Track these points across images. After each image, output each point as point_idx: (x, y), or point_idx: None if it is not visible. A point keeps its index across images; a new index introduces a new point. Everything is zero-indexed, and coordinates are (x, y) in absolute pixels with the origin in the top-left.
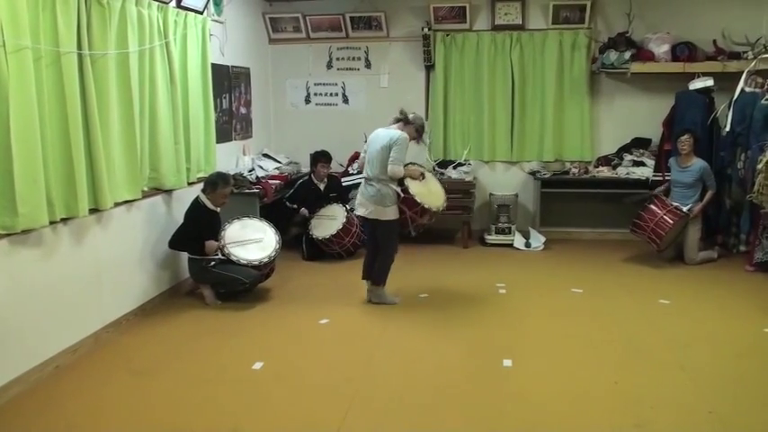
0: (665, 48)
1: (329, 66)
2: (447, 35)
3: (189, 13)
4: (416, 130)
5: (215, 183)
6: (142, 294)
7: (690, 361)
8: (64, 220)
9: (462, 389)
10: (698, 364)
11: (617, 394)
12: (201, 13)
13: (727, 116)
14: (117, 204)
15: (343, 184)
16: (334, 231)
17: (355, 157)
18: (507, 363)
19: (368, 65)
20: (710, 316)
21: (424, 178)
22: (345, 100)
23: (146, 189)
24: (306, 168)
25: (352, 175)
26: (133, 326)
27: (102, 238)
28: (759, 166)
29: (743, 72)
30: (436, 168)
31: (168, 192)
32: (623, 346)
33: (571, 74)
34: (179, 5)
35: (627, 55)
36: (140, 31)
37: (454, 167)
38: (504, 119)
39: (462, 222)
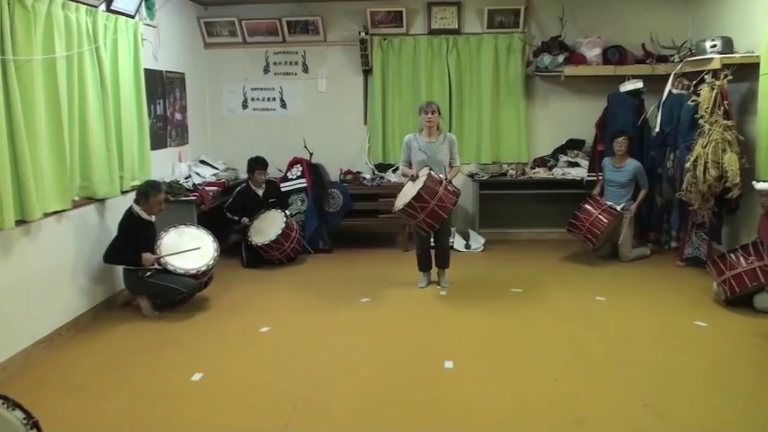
0: (597, 51)
1: (266, 70)
2: (384, 39)
3: (120, 17)
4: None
5: (146, 192)
6: (75, 308)
7: (626, 356)
8: None
9: (404, 392)
10: (633, 359)
11: (557, 392)
12: (133, 17)
13: (656, 117)
14: (46, 215)
15: (282, 189)
16: (273, 237)
17: (294, 162)
18: (448, 364)
19: (305, 69)
20: (645, 311)
21: (414, 180)
22: (283, 105)
23: (76, 199)
24: (244, 174)
25: (292, 180)
26: (66, 341)
27: (31, 250)
28: (687, 165)
29: (670, 74)
30: (375, 172)
31: (101, 201)
32: (562, 344)
33: (507, 77)
34: (109, 9)
35: (560, 58)
36: (68, 35)
37: (393, 171)
38: (443, 122)
39: (402, 226)
